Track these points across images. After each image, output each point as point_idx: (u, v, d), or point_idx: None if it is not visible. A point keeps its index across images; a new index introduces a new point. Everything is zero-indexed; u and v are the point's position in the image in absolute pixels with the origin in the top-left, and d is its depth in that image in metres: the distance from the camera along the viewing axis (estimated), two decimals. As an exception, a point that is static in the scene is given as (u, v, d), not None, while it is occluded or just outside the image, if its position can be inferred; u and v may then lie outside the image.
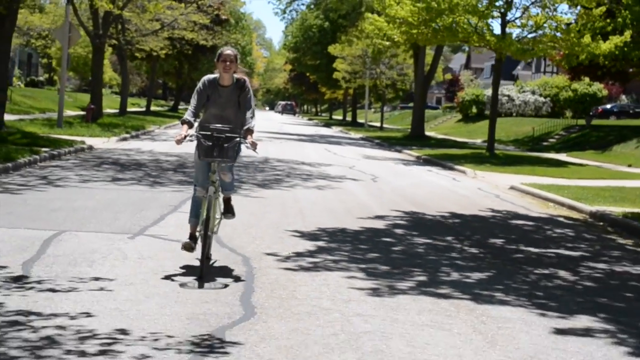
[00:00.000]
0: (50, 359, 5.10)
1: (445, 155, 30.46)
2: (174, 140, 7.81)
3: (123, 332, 5.75)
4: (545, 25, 31.04)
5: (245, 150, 8.27)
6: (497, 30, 32.24)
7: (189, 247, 7.75)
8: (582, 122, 50.61)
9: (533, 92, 66.55)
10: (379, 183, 19.12)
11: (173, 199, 13.18)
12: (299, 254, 9.14)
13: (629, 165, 30.78)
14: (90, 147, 23.74)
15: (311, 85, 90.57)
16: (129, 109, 53.56)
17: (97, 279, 7.32)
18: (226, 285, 7.32)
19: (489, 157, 30.87)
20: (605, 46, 30.88)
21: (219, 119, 7.90)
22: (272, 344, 5.72)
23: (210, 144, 7.60)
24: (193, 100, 7.98)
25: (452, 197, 17.11)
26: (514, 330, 6.52)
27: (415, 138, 44.67)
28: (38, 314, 6.06)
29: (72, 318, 6.01)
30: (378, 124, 68.13)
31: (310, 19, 71.82)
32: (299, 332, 6.06)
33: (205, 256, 7.55)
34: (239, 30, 75.52)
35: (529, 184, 20.21)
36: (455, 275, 8.57)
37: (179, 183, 15.71)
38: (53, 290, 6.80)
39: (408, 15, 28.95)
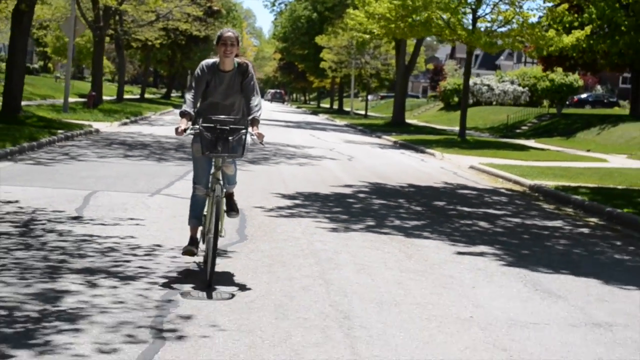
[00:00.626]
0: (114, 256, 7.87)
1: (419, 140, 33.24)
2: (174, 130, 7.11)
3: (158, 246, 8.53)
4: (513, 20, 33.85)
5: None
6: (470, 24, 34.97)
7: (190, 252, 7.35)
8: (553, 110, 53.41)
9: (512, 82, 69.43)
10: (353, 162, 21.90)
11: (178, 171, 15.95)
12: (280, 207, 11.95)
13: (588, 150, 33.60)
14: (97, 130, 26.44)
15: (300, 74, 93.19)
16: (123, 96, 56.17)
17: (132, 219, 10.09)
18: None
19: (460, 142, 33.67)
20: (568, 40, 33.68)
21: (221, 108, 7.32)
22: (258, 254, 8.51)
23: (214, 137, 7.02)
24: (191, 89, 7.28)
25: (415, 173, 19.92)
26: (428, 252, 9.34)
27: (396, 125, 47.46)
28: (98, 236, 8.83)
29: (122, 239, 8.79)
30: (364, 112, 70.95)
31: (299, 10, 74.39)
32: (277, 248, 8.86)
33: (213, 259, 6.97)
34: (230, 21, 78.06)
35: (487, 164, 23.00)
36: (397, 222, 11.39)
37: (181, 159, 18.45)
38: (103, 224, 9.57)
39: (385, 12, 31.73)
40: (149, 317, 5.92)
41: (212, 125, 7.08)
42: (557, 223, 12.66)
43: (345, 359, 5.35)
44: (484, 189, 17.44)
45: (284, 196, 13.30)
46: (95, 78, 42.03)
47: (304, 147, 25.90)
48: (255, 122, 7.20)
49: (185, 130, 7.02)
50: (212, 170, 7.32)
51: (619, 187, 17.85)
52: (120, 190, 12.61)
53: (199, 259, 7.74)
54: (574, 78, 64.96)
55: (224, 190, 7.33)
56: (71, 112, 33.15)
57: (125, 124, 32.67)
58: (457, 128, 53.75)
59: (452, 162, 24.64)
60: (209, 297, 6.55)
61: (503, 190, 17.29)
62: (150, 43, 53.09)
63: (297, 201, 12.85)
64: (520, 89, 68.27)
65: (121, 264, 7.59)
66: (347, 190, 14.82)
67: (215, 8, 61.79)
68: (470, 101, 68.10)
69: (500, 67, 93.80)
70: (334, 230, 10.32)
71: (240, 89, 7.34)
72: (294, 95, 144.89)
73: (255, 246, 8.89)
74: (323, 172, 18.14)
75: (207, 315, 6.07)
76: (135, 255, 8.02)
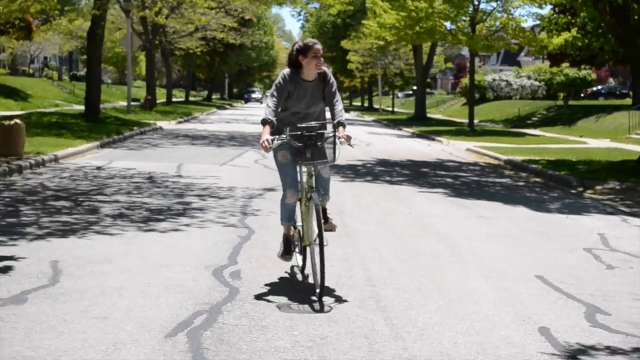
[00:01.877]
0: (210, 190, 13.39)
1: (433, 131, 38.52)
2: (260, 146, 6.93)
3: (233, 187, 14.05)
4: (507, 25, 39.08)
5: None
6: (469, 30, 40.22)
7: (287, 259, 7.51)
8: (560, 103, 58.30)
9: (529, 77, 74.30)
10: (370, 147, 27.31)
11: (235, 152, 21.54)
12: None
13: (581, 136, 38.64)
14: (161, 127, 32.15)
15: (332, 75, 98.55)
16: (172, 99, 62.15)
17: (212, 176, 15.62)
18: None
19: (468, 132, 38.91)
20: (557, 41, 38.84)
21: (303, 116, 7.28)
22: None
23: (302, 144, 6.93)
24: (272, 97, 7.15)
25: (417, 153, 25.31)
26: (400, 191, 14.77)
27: (417, 119, 52.78)
28: (196, 183, 14.36)
29: (211, 184, 14.31)
30: (391, 109, 76.32)
31: (324, 16, 79.84)
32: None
33: (323, 273, 6.64)
34: (261, 27, 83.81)
35: (481, 146, 28.23)
36: (387, 178, 16.86)
37: (233, 146, 24.03)
38: (196, 178, 15.12)
39: (394, 22, 37.12)
40: (238, 208, 11.48)
41: (299, 133, 6.98)
42: (505, 180, 18.02)
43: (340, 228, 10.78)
44: (466, 162, 22.79)
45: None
46: (149, 84, 47.84)
47: (331, 137, 31.30)
48: (341, 125, 7.10)
49: (272, 142, 6.84)
50: (305, 179, 7.16)
51: (573, 159, 23.05)
52: (198, 163, 18.19)
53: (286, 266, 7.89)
54: (587, 72, 69.80)
55: (318, 195, 7.02)
56: (133, 113, 38.92)
57: (180, 122, 38.42)
58: (475, 121, 59.05)
59: (453, 146, 29.94)
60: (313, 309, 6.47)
61: (482, 163, 22.62)
62: (191, 51, 58.97)
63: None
64: (536, 83, 73.07)
65: (216, 192, 13.20)
66: (359, 163, 20.26)
67: (247, 17, 67.45)
68: (491, 96, 73.40)
69: (521, 64, 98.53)
70: (343, 182, 15.76)
71: (323, 96, 7.31)
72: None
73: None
74: (343, 154, 23.57)
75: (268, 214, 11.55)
76: (221, 189, 13.60)
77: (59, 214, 10.55)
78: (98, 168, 16.54)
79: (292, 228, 7.41)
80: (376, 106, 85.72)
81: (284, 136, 6.94)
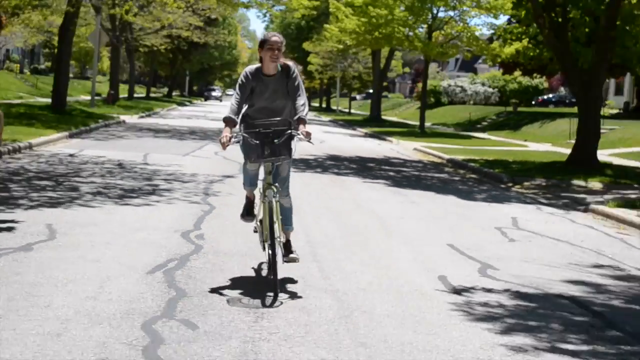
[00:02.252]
0: (175, 175, 15.01)
1: (385, 132, 40.35)
2: (218, 141, 7.04)
3: (196, 174, 15.65)
4: (462, 34, 41.07)
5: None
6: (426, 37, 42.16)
7: (247, 219, 7.70)
8: (510, 109, 60.55)
9: (483, 84, 76.66)
10: (323, 144, 28.98)
11: (196, 145, 23.11)
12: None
13: (525, 140, 40.73)
14: (124, 121, 33.57)
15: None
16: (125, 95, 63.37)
17: (177, 164, 17.20)
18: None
19: (419, 133, 40.81)
20: (508, 50, 40.81)
21: (268, 112, 7.21)
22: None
23: (259, 142, 6.92)
24: (235, 95, 7.19)
25: (367, 151, 27.07)
26: (345, 181, 16.50)
27: (372, 120, 54.62)
28: (161, 169, 15.93)
29: (175, 170, 15.90)
30: (348, 110, 78.20)
31: (289, 18, 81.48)
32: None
33: (275, 267, 6.77)
34: (226, 27, 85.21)
35: (427, 146, 30.07)
36: (335, 170, 18.60)
37: (194, 139, 25.57)
38: (162, 165, 16.69)
39: (355, 27, 38.92)
40: (200, 190, 13.11)
41: (255, 130, 7.00)
42: (442, 175, 19.84)
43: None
44: (411, 159, 24.61)
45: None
46: (112, 79, 49.13)
47: (288, 135, 33.03)
48: (301, 121, 7.06)
49: (230, 139, 6.86)
50: (263, 177, 7.17)
51: (510, 160, 24.93)
52: (162, 153, 19.75)
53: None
54: (539, 81, 72.33)
55: (277, 194, 7.15)
56: (96, 107, 40.21)
57: (142, 117, 39.83)
58: (428, 124, 61.16)
59: (402, 146, 31.77)
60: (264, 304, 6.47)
61: (425, 161, 24.45)
62: (155, 48, 60.26)
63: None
64: (490, 90, 75.45)
65: (180, 177, 14.82)
66: (311, 157, 21.96)
67: (213, 17, 68.85)
68: (446, 100, 75.65)
69: (477, 70, 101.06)
70: (295, 171, 17.39)
71: (287, 91, 7.23)
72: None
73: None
74: (297, 149, 25.28)
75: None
76: (184, 175, 15.22)
77: (44, 191, 12.09)
78: (71, 155, 18.01)
79: (253, 192, 7.57)
80: (334, 107, 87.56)
81: (240, 133, 7.08)
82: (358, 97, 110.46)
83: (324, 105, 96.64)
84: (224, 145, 6.86)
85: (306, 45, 70.11)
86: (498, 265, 8.70)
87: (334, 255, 8.62)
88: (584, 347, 5.90)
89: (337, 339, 5.67)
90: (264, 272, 7.53)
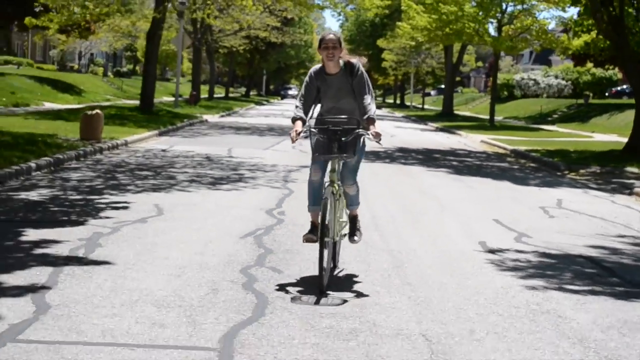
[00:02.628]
0: (257, 166, 16.86)
1: (456, 126, 41.74)
2: (289, 137, 7.14)
3: (276, 164, 17.49)
4: (531, 27, 42.18)
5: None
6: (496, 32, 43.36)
7: (310, 240, 7.32)
8: (581, 101, 61.11)
9: (556, 77, 77.06)
10: (393, 138, 30.64)
11: (275, 140, 25.03)
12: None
13: (593, 132, 41.62)
14: (206, 120, 35.75)
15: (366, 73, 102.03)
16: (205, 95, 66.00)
17: (258, 157, 19.08)
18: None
19: (488, 127, 42.09)
20: (577, 42, 41.79)
21: (336, 111, 7.27)
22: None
23: (326, 139, 7.00)
24: (300, 96, 7.36)
25: (434, 143, 28.60)
26: (411, 169, 18.14)
27: (445, 115, 55.99)
28: (245, 161, 17.83)
29: (257, 162, 17.76)
30: (428, 107, 79.67)
31: (363, 15, 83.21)
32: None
33: (327, 266, 6.88)
34: (302, 26, 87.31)
35: (494, 139, 31.43)
36: (402, 161, 20.23)
37: (273, 135, 27.50)
38: (244, 158, 18.59)
39: (426, 24, 40.41)
40: (280, 177, 14.93)
41: (324, 126, 7.05)
42: (503, 164, 21.30)
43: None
44: (476, 151, 26.07)
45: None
46: (194, 80, 51.55)
47: (361, 130, 34.80)
48: (371, 121, 7.05)
49: (299, 133, 6.99)
50: (328, 174, 7.21)
51: (570, 150, 26.18)
52: (245, 147, 21.69)
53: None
54: (613, 72, 72.49)
55: (339, 192, 7.27)
56: (179, 107, 42.56)
57: (223, 116, 42.05)
58: (500, 117, 62.25)
59: (470, 138, 33.18)
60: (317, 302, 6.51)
61: (489, 152, 25.88)
62: (234, 49, 62.62)
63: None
64: (563, 82, 75.81)
65: (262, 167, 16.69)
66: (381, 149, 23.63)
67: (290, 17, 70.99)
68: (519, 94, 76.40)
69: (552, 63, 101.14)
70: (364, 162, 19.11)
71: (352, 89, 7.20)
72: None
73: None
74: (368, 143, 27.00)
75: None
76: (266, 165, 17.09)
77: (146, 179, 14.06)
78: (163, 150, 20.07)
79: (319, 215, 7.13)
80: (408, 103, 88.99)
81: (309, 128, 7.13)
82: (432, 92, 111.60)
83: (398, 102, 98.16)
84: (293, 139, 7.01)
85: (380, 42, 71.71)
86: (532, 234, 10.26)
87: (394, 227, 10.31)
88: (585, 288, 7.49)
89: (389, 280, 7.38)
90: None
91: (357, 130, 7.02)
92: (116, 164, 16.44)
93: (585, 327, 6.20)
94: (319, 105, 7.45)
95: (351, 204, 7.55)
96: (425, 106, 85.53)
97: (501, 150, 26.66)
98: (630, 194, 15.61)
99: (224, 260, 7.84)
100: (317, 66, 7.36)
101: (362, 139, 7.22)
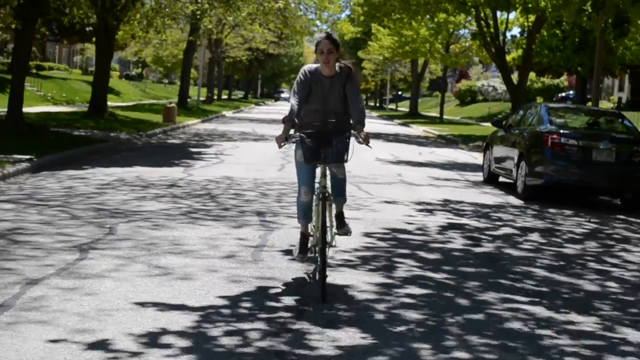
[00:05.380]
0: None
1: (413, 122, 54.47)
2: (274, 141, 7.14)
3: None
4: (472, 46, 55.13)
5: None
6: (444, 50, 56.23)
7: (300, 258, 7.44)
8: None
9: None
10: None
11: (279, 126, 37.62)
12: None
13: (518, 127, 54.43)
14: (224, 115, 48.57)
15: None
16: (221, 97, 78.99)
17: (273, 134, 31.83)
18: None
19: (437, 122, 54.93)
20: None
21: (321, 113, 7.13)
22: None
23: (315, 143, 6.88)
24: (294, 95, 7.04)
25: (391, 132, 41.33)
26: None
27: (410, 115, 68.92)
28: (265, 134, 30.59)
29: (274, 136, 30.58)
30: (402, 109, 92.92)
31: (344, 30, 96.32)
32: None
33: (324, 274, 6.61)
34: (293, 38, 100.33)
35: (433, 129, 44.12)
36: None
37: (277, 123, 40.23)
38: (264, 134, 31.35)
39: (390, 44, 53.42)
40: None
41: (312, 131, 6.97)
42: (422, 140, 34.07)
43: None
44: (414, 135, 38.88)
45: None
46: (209, 85, 64.43)
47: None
48: (360, 124, 6.95)
49: (286, 139, 6.87)
50: (318, 179, 7.03)
51: (477, 134, 38.81)
52: (261, 129, 34.29)
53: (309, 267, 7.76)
54: (560, 80, 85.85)
55: (333, 203, 7.16)
56: (201, 105, 55.14)
57: (235, 112, 54.89)
58: (457, 117, 75.35)
59: (416, 129, 45.93)
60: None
61: (422, 136, 38.67)
62: (237, 59, 75.61)
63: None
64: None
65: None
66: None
67: (287, 31, 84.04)
68: (480, 98, 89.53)
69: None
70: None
71: (344, 93, 7.10)
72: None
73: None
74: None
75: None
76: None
77: (220, 138, 26.72)
78: (212, 130, 32.71)
79: (308, 226, 7.33)
80: (385, 106, 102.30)
81: (297, 134, 6.96)
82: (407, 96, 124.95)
83: (377, 105, 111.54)
84: (279, 145, 6.93)
85: (360, 54, 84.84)
86: (403, 159, 23.04)
87: (374, 189, 23.21)
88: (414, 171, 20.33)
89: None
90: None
91: (348, 133, 7.05)
92: (193, 134, 29.14)
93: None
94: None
95: (339, 194, 7.40)
96: (400, 108, 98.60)
97: (431, 135, 39.47)
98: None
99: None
100: (312, 65, 7.24)
101: (351, 143, 7.21)
